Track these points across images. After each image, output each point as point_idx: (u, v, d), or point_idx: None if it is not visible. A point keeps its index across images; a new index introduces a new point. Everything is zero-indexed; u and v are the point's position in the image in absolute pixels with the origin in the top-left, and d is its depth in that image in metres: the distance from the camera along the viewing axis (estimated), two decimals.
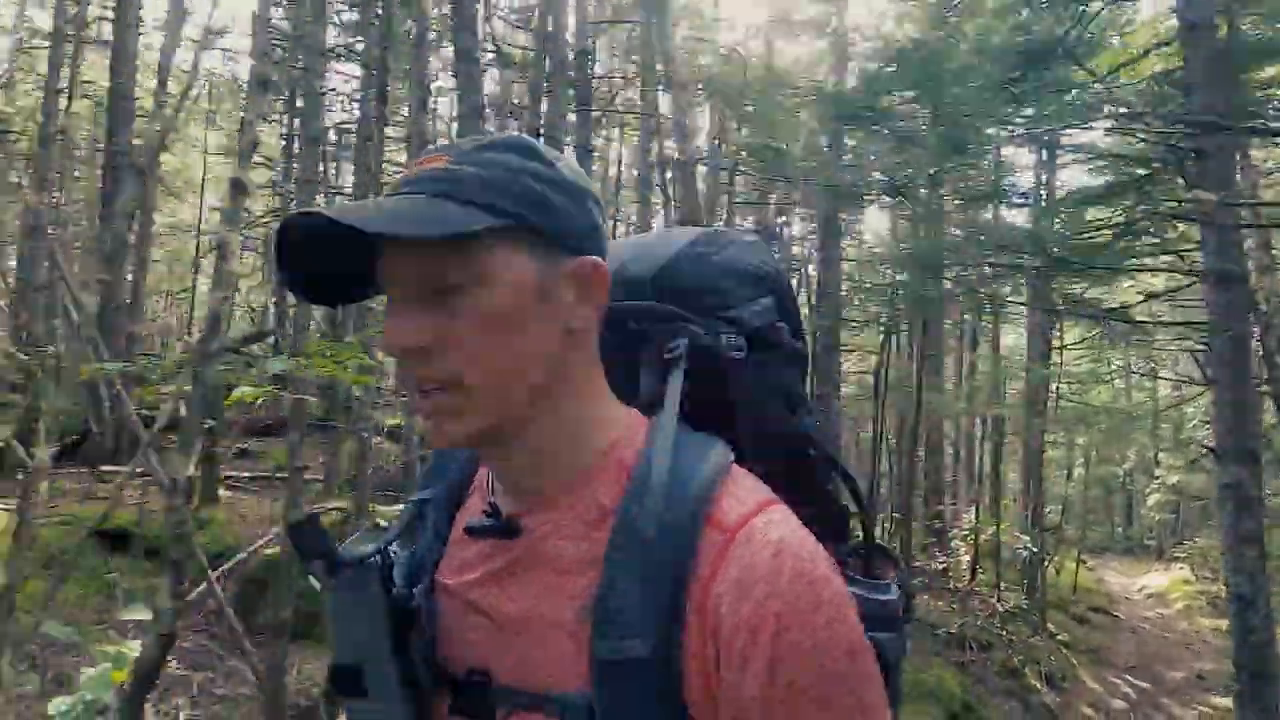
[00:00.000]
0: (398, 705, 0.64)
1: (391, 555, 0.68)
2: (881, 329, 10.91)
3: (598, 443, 0.65)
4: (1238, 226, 4.78)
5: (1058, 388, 12.76)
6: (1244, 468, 4.63)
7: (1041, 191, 10.08)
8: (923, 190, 8.07)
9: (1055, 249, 5.77)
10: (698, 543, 0.58)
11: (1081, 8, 5.58)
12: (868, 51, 9.78)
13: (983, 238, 7.07)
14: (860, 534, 0.74)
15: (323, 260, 0.63)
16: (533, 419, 0.63)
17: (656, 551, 0.58)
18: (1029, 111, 6.06)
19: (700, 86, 11.29)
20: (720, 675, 0.56)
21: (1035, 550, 11.01)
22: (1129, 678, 10.11)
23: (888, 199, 8.91)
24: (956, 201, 8.61)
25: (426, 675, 0.65)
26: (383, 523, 0.86)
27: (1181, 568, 15.46)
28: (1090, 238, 5.99)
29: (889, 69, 7.90)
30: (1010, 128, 6.27)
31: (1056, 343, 12.20)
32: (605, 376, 0.68)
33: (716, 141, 13.87)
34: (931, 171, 7.48)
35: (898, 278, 9.46)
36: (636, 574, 0.58)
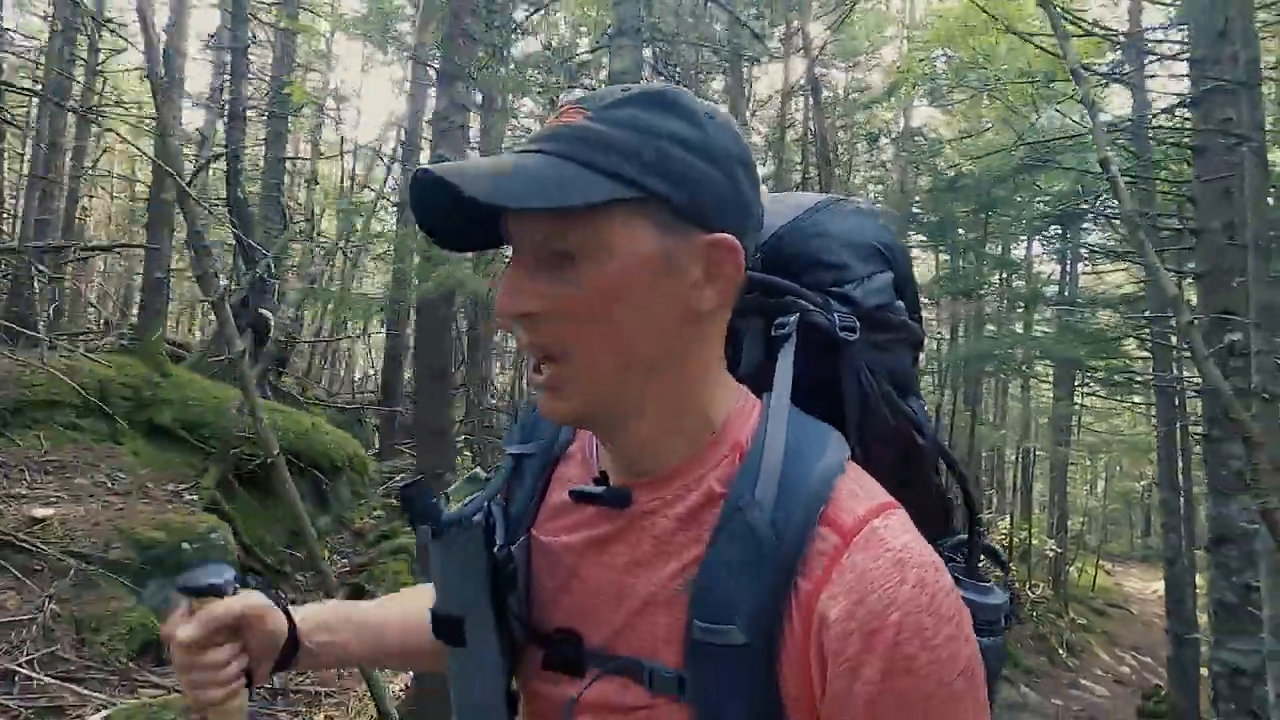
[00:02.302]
0: (494, 656, 0.65)
1: (493, 512, 0.68)
2: (934, 391, 13.78)
3: (712, 423, 0.63)
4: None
5: (1079, 418, 15.47)
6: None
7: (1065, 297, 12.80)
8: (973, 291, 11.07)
9: (1072, 344, 8.70)
10: (810, 542, 0.56)
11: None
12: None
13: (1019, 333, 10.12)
14: (966, 530, 0.71)
15: (458, 209, 0.59)
16: (643, 400, 0.61)
17: (765, 544, 0.56)
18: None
19: None
20: (826, 677, 0.54)
21: (1060, 551, 13.77)
22: (1134, 654, 12.80)
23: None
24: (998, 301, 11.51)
25: (521, 630, 0.66)
26: (481, 473, 0.78)
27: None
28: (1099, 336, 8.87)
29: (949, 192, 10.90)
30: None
31: (1079, 383, 14.98)
32: None
33: None
34: (981, 275, 10.45)
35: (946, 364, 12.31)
36: (743, 563, 0.56)
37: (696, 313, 0.60)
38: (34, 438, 3.91)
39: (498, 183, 0.55)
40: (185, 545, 3.62)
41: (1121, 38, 6.88)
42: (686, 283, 0.59)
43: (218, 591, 0.72)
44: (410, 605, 0.84)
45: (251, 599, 0.73)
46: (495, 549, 0.65)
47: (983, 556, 0.68)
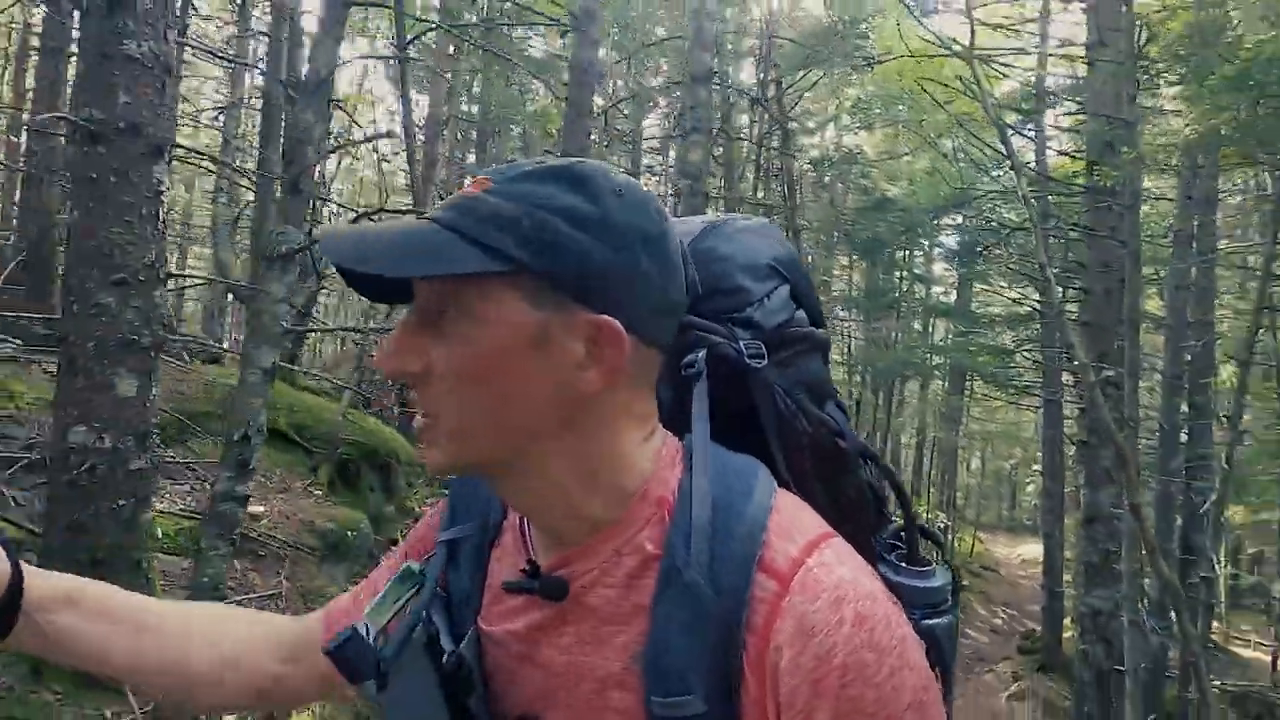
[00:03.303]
0: None
1: (433, 618, 0.64)
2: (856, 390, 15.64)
3: (631, 483, 0.60)
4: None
5: (968, 409, 17.94)
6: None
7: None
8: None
9: (972, 354, 10.54)
10: (750, 591, 0.54)
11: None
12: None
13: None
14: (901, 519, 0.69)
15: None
16: (523, 461, 0.59)
17: (706, 603, 0.54)
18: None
19: None
20: None
21: (949, 524, 16.12)
22: (1005, 609, 15.30)
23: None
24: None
25: None
26: (415, 566, 0.68)
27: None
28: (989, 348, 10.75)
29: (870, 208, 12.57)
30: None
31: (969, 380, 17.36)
32: None
33: None
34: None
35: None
36: (686, 626, 0.54)
37: (577, 392, 0.57)
38: (200, 445, 4.61)
39: (361, 251, 0.55)
40: (349, 533, 4.49)
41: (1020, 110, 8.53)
42: (564, 361, 0.56)
43: None
44: (201, 625, 0.74)
45: None
46: (445, 659, 0.62)
47: (920, 539, 0.68)
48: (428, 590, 0.65)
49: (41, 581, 0.68)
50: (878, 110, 12.25)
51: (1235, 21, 4.16)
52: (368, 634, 0.60)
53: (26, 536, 2.96)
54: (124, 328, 2.65)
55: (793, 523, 0.58)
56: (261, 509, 4.16)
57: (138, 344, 2.68)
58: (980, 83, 4.86)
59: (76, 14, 4.92)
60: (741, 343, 0.65)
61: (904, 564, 0.64)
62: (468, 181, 0.61)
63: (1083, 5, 6.26)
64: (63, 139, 2.72)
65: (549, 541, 0.63)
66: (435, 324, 0.58)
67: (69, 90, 5.76)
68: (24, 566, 0.67)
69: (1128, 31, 4.91)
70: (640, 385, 0.61)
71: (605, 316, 0.56)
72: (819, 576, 0.54)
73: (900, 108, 11.36)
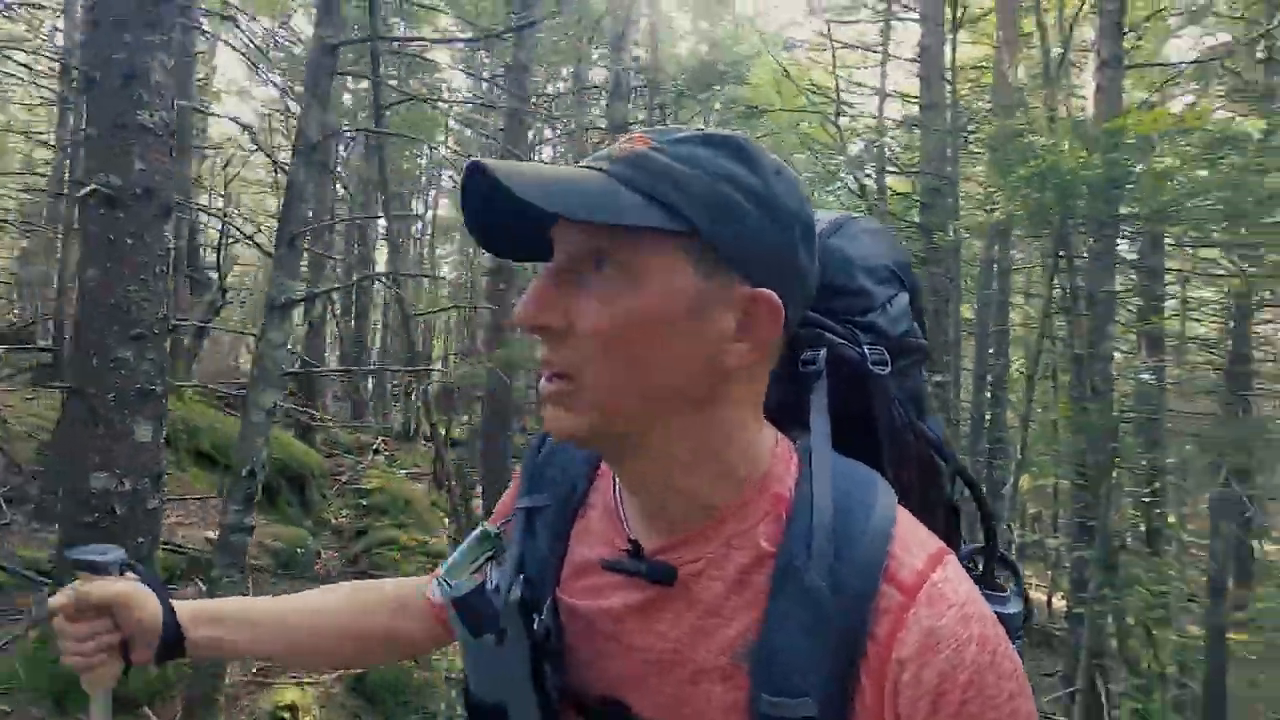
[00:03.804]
0: None
1: (521, 582, 0.63)
2: None
3: (748, 473, 0.58)
4: None
5: None
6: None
7: None
8: None
9: None
10: (874, 600, 0.53)
11: None
12: None
13: None
14: (983, 539, 0.67)
15: (507, 209, 0.56)
16: (662, 433, 0.57)
17: (827, 607, 0.53)
18: None
19: None
20: None
21: None
22: None
23: None
24: None
25: (558, 697, 0.62)
26: (490, 529, 0.68)
27: None
28: None
29: None
30: None
31: None
32: None
33: None
34: None
35: None
36: (804, 628, 0.53)
37: (724, 365, 0.55)
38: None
39: (546, 188, 0.52)
40: (297, 550, 4.66)
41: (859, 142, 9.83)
42: (716, 331, 0.55)
43: (92, 568, 0.77)
44: (320, 605, 0.84)
45: (118, 585, 0.77)
46: (534, 625, 0.61)
47: (998, 564, 0.66)
48: (512, 554, 0.66)
49: (190, 611, 0.80)
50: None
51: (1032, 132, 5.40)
52: (443, 590, 0.63)
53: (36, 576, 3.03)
54: (141, 378, 2.84)
55: (914, 535, 0.56)
56: (213, 534, 4.29)
57: (154, 393, 2.89)
58: (842, 140, 5.79)
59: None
60: (865, 347, 0.64)
61: (983, 587, 0.62)
62: (622, 139, 0.58)
63: (915, 71, 7.44)
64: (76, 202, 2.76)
65: (653, 524, 0.61)
66: (584, 278, 0.55)
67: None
68: (173, 603, 0.79)
69: (948, 107, 6.07)
70: (767, 370, 0.60)
71: (765, 290, 0.55)
72: (944, 591, 0.53)
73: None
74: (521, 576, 0.63)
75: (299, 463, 6.39)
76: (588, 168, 0.56)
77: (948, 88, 6.16)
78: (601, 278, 0.55)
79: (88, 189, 2.71)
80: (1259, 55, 7.71)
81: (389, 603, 0.83)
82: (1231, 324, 8.20)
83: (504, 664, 0.62)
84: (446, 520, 6.17)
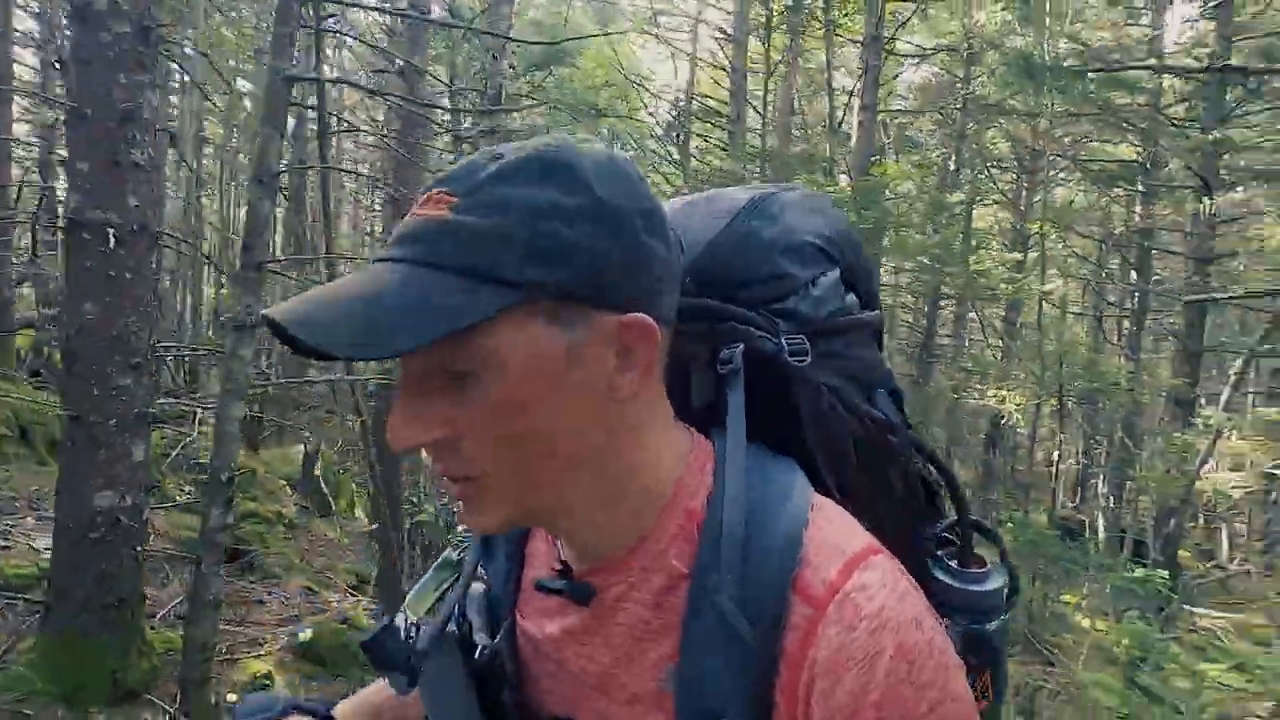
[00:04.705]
0: None
1: (467, 611, 0.64)
2: None
3: (661, 494, 0.56)
4: None
5: None
6: None
7: None
8: None
9: None
10: (784, 614, 0.51)
11: None
12: None
13: None
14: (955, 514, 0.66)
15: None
16: (574, 494, 0.55)
17: (739, 626, 0.51)
18: None
19: None
20: None
21: None
22: None
23: None
24: None
25: (517, 717, 0.62)
26: (453, 555, 0.69)
27: None
28: None
29: None
30: None
31: None
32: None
33: None
34: None
35: None
36: (720, 649, 0.52)
37: (617, 401, 0.53)
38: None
39: (358, 329, 0.46)
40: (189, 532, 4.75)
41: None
42: (601, 371, 0.52)
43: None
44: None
45: None
46: (479, 652, 0.62)
47: (975, 534, 0.65)
48: (462, 582, 0.65)
49: (352, 712, 0.77)
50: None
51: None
52: (406, 623, 0.61)
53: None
54: (138, 403, 3.04)
55: (832, 538, 0.54)
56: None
57: (147, 414, 3.09)
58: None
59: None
60: (783, 337, 0.60)
61: (957, 565, 0.61)
62: (419, 202, 0.52)
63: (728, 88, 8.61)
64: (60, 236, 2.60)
65: (579, 551, 0.60)
66: (448, 382, 0.51)
67: None
68: (333, 712, 0.75)
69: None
70: (660, 376, 0.57)
71: (632, 314, 0.51)
72: (858, 602, 0.50)
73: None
74: (459, 611, 0.64)
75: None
76: (391, 260, 0.50)
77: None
78: (462, 384, 0.50)
79: (85, 223, 2.82)
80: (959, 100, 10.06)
81: None
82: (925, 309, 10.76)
83: (447, 694, 0.62)
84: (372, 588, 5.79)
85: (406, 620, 0.61)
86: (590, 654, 0.59)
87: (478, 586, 0.67)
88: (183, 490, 6.82)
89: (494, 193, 0.50)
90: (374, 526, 6.15)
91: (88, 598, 3.00)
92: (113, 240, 2.89)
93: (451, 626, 0.63)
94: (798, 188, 0.68)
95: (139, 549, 3.13)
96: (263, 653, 3.97)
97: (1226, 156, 7.80)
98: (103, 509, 2.99)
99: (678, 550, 0.56)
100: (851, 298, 0.66)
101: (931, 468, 0.67)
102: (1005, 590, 0.63)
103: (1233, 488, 7.00)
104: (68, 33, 2.84)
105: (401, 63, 5.39)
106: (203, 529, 3.43)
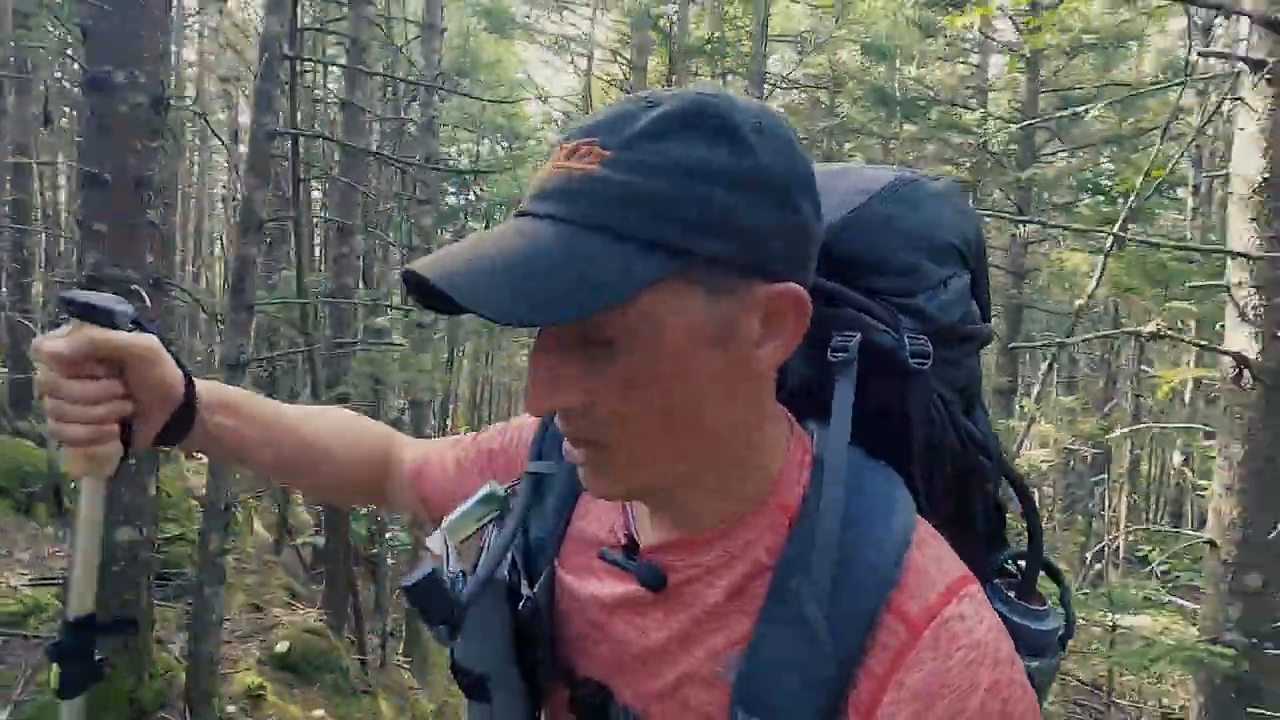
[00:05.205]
0: (519, 709, 0.62)
1: (514, 550, 0.62)
2: None
3: (761, 481, 0.55)
4: None
5: None
6: None
7: None
8: None
9: None
10: (875, 633, 0.49)
11: None
12: None
13: None
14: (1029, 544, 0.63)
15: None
16: (698, 470, 0.53)
17: (820, 634, 0.49)
18: None
19: None
20: None
21: None
22: None
23: None
24: None
25: (547, 672, 0.62)
26: (499, 490, 0.62)
27: None
28: None
29: None
30: None
31: None
32: None
33: None
34: None
35: None
36: (794, 651, 0.50)
37: (756, 374, 0.51)
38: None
39: (519, 293, 0.44)
40: None
41: None
42: (743, 346, 0.50)
43: (103, 317, 0.61)
44: (333, 428, 0.80)
45: (142, 339, 0.63)
46: (521, 604, 0.61)
47: (1042, 573, 0.62)
48: (510, 527, 0.62)
49: (207, 388, 0.71)
50: None
51: None
52: (449, 568, 0.58)
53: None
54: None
55: (932, 562, 0.52)
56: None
57: (157, 452, 3.32)
58: None
59: None
60: (905, 335, 0.56)
61: (1016, 598, 0.59)
62: (561, 152, 0.48)
63: None
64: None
65: (657, 520, 0.58)
66: (590, 349, 0.49)
67: None
68: (193, 377, 0.70)
69: None
70: (773, 383, 0.54)
71: (785, 284, 0.49)
72: (955, 632, 0.49)
73: None
74: (510, 558, 0.62)
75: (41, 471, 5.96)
76: (535, 215, 0.48)
77: None
78: (605, 350, 0.48)
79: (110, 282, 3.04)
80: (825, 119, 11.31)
81: (383, 454, 0.82)
82: None
83: (486, 642, 0.61)
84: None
85: (448, 551, 0.60)
86: (643, 626, 0.58)
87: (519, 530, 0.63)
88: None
89: (653, 149, 0.46)
90: (322, 543, 6.32)
91: (114, 628, 3.21)
92: (131, 296, 3.11)
93: (501, 573, 0.61)
94: (942, 178, 0.64)
95: (149, 575, 3.36)
96: (245, 667, 4.20)
97: (1035, 190, 9.44)
98: (122, 543, 3.21)
99: (768, 543, 0.54)
100: (975, 308, 0.63)
101: (1014, 495, 0.64)
102: (1060, 632, 0.60)
103: (1041, 461, 8.56)
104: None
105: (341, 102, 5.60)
106: (203, 554, 3.69)
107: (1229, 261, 2.78)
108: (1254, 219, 2.68)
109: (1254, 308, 2.67)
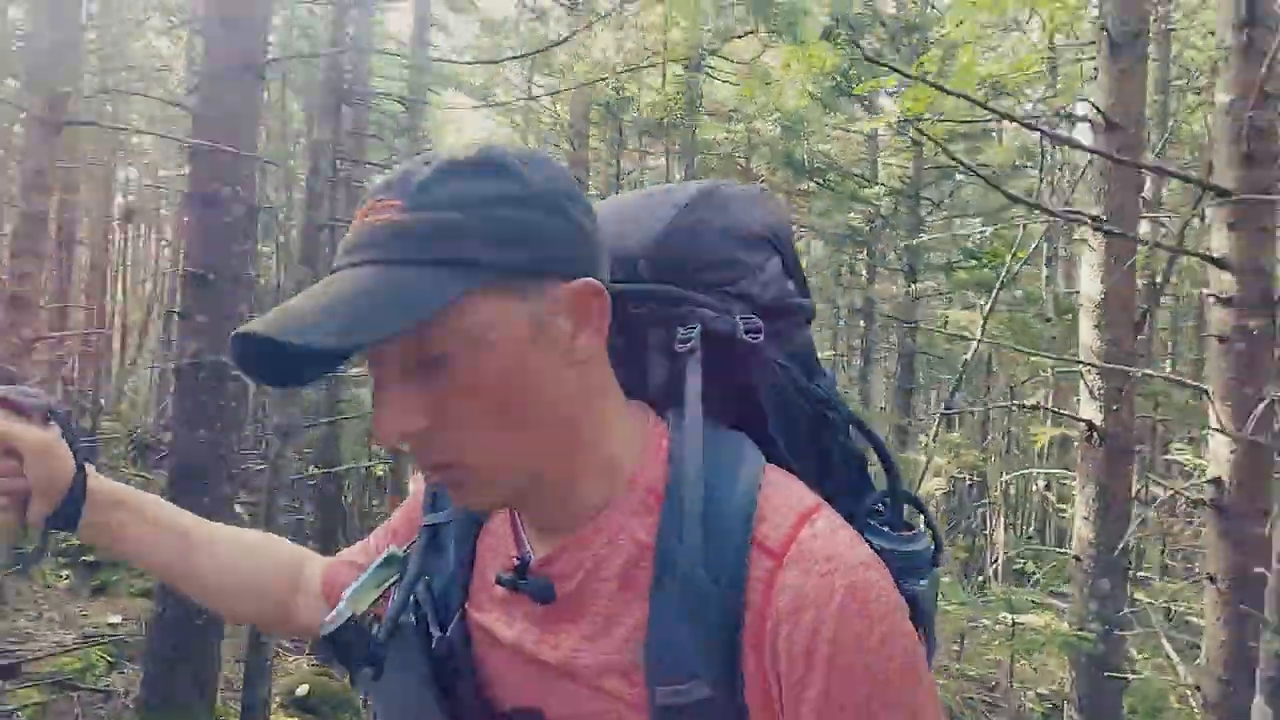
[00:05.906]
0: None
1: (420, 601, 0.65)
2: None
3: (622, 460, 0.60)
4: None
5: None
6: None
7: None
8: None
9: None
10: (746, 570, 0.55)
11: None
12: None
13: None
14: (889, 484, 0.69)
15: (288, 352, 0.53)
16: (551, 465, 0.58)
17: (704, 587, 0.54)
18: None
19: None
20: (782, 705, 0.54)
21: None
22: None
23: None
24: None
25: (470, 713, 0.63)
26: (398, 552, 0.68)
27: None
28: None
29: None
30: None
31: None
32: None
33: None
34: None
35: None
36: (686, 613, 0.54)
37: (580, 364, 0.57)
38: None
39: (341, 322, 0.50)
40: None
41: None
42: (562, 340, 0.56)
43: (13, 407, 0.69)
44: (230, 538, 0.82)
45: (31, 431, 0.70)
46: (434, 644, 0.64)
47: (906, 505, 0.69)
48: (409, 576, 0.66)
49: (99, 482, 0.74)
50: None
51: None
52: (354, 618, 0.61)
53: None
54: (229, 509, 3.72)
55: (784, 496, 0.58)
56: None
57: (235, 514, 3.77)
58: None
59: None
60: (739, 317, 0.64)
61: (887, 528, 0.65)
62: (360, 214, 0.56)
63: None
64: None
65: (542, 532, 0.62)
66: (425, 370, 0.54)
67: None
68: (86, 467, 0.73)
69: None
70: (605, 348, 0.60)
71: (580, 281, 0.56)
72: (811, 549, 0.55)
73: None
74: (412, 599, 0.65)
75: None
76: (351, 265, 0.54)
77: None
78: (437, 370, 0.54)
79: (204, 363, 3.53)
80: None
81: (292, 575, 0.83)
82: None
83: (403, 689, 0.63)
84: None
85: (352, 616, 0.62)
86: (555, 640, 0.61)
87: (423, 581, 0.67)
88: (60, 579, 6.58)
89: (441, 191, 0.54)
90: None
91: (193, 674, 3.62)
92: (224, 378, 3.61)
93: (407, 615, 0.64)
94: (734, 183, 0.72)
95: (222, 627, 3.77)
96: (269, 712, 4.53)
97: (923, 253, 10.97)
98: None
99: (641, 523, 0.59)
100: (790, 284, 0.70)
101: (868, 442, 0.71)
102: (931, 549, 0.67)
103: (935, 489, 9.95)
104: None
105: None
106: None
107: (1080, 350, 3.89)
108: (1096, 326, 3.80)
109: (1099, 389, 3.77)
